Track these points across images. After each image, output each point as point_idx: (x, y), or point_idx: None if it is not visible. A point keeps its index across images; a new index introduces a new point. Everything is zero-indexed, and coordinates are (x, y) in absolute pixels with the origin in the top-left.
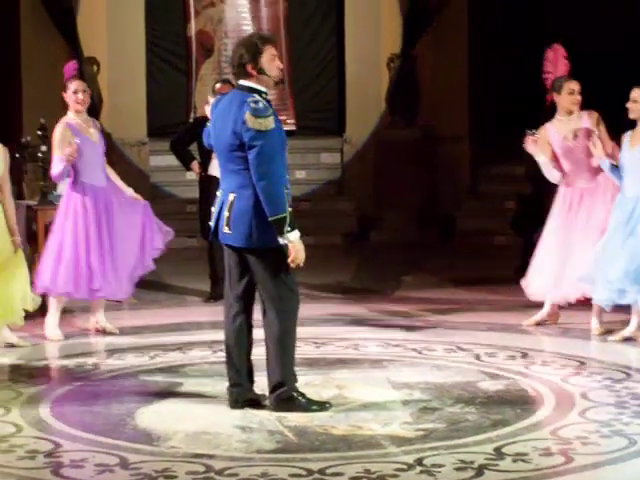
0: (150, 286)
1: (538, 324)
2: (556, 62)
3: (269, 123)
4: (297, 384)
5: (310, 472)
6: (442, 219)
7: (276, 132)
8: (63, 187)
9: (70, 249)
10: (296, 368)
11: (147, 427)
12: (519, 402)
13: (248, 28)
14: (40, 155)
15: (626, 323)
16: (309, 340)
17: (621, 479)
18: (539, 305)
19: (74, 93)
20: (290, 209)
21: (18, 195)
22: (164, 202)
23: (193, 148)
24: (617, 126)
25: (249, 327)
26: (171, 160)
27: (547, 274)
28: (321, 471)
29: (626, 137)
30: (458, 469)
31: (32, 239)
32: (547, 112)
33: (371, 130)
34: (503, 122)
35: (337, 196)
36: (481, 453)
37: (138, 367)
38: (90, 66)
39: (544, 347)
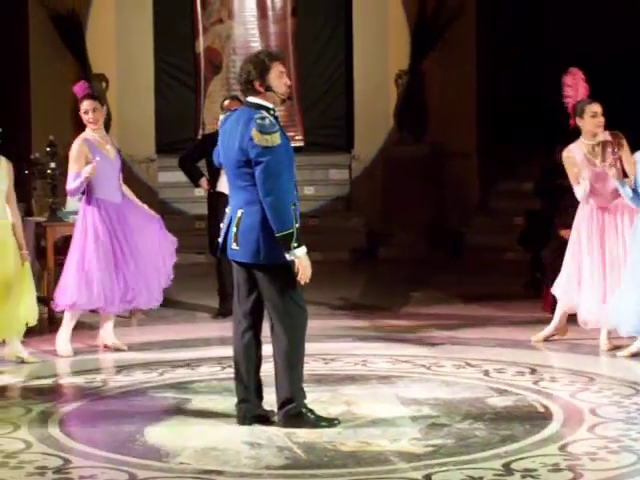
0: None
1: (546, 339)
2: (576, 86)
3: (275, 139)
4: (306, 400)
5: None
6: (451, 235)
7: (283, 148)
8: (72, 204)
9: (94, 264)
10: (304, 384)
11: (156, 443)
12: (528, 418)
13: (256, 45)
14: (49, 172)
15: (634, 339)
16: (317, 356)
17: None
18: (548, 320)
19: (85, 113)
20: (297, 225)
21: (27, 212)
22: (173, 218)
23: (202, 165)
24: (616, 126)
25: (258, 343)
26: (180, 176)
27: (596, 300)
28: None
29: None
30: None
31: (41, 255)
32: (566, 133)
33: (379, 146)
34: (511, 138)
35: (345, 212)
36: (490, 469)
37: (147, 383)
38: (99, 83)
39: (553, 363)
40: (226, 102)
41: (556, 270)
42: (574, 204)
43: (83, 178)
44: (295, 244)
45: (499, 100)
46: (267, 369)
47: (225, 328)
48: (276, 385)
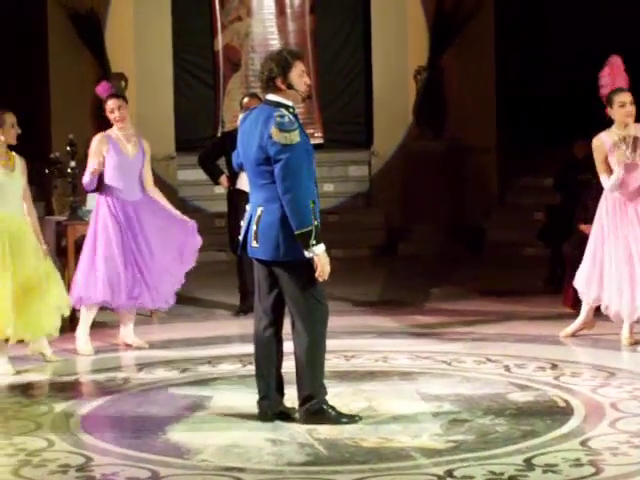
0: (179, 300)
1: (574, 334)
2: (613, 75)
3: (294, 137)
4: (327, 397)
5: None
6: (471, 231)
7: (302, 146)
8: (92, 202)
9: (103, 258)
10: (326, 381)
11: (178, 441)
12: (549, 413)
13: (275, 42)
14: (69, 171)
15: None
16: (339, 353)
17: None
18: (569, 316)
19: (110, 112)
20: (317, 222)
21: (47, 211)
22: (192, 216)
23: (221, 163)
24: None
25: (279, 340)
26: (199, 174)
27: (624, 294)
28: None
29: None
30: None
31: (62, 254)
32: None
33: (398, 142)
34: (531, 133)
35: (365, 209)
36: (511, 464)
37: (168, 381)
38: (118, 82)
39: (573, 358)
40: (245, 100)
41: (576, 265)
42: (595, 198)
43: (89, 173)
44: (314, 242)
45: (518, 95)
46: (288, 366)
47: (246, 325)
48: (297, 382)
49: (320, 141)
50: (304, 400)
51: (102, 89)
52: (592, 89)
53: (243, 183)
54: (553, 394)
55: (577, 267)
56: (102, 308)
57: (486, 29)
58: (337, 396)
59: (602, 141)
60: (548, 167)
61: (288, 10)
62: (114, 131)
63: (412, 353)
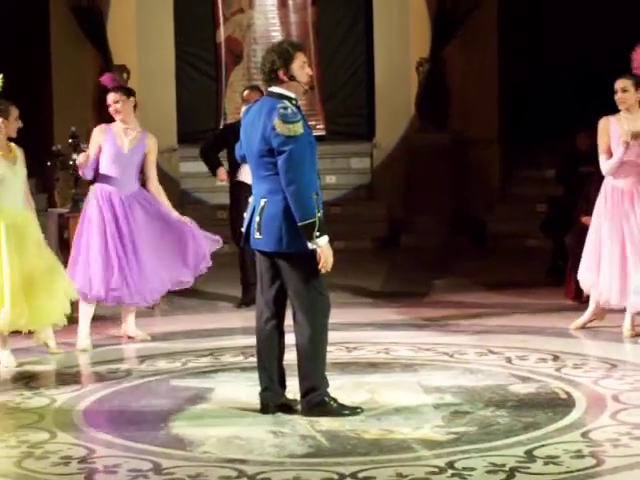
0: (181, 292)
1: (585, 325)
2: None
3: (298, 128)
4: (329, 388)
5: (342, 476)
6: (473, 223)
7: (305, 137)
8: None
9: (82, 251)
10: (327, 372)
11: (180, 432)
12: (550, 405)
13: (277, 34)
14: (71, 163)
15: None
16: (340, 344)
17: None
18: (571, 307)
19: (109, 106)
20: (320, 214)
21: (50, 203)
22: (194, 208)
23: (222, 155)
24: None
25: (281, 332)
26: (201, 167)
27: (613, 281)
28: (353, 475)
29: None
30: (489, 472)
31: (64, 246)
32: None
33: (401, 134)
34: (533, 125)
35: (367, 201)
36: (512, 456)
37: (170, 373)
38: (120, 74)
39: (575, 350)
40: (245, 92)
41: (578, 257)
42: (597, 189)
43: (77, 164)
44: (317, 233)
45: (520, 87)
46: (290, 358)
47: (248, 317)
48: (299, 374)
49: (322, 133)
50: (306, 392)
51: (106, 81)
52: (595, 80)
53: (244, 175)
54: (555, 386)
55: (579, 259)
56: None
57: (489, 21)
58: (339, 388)
59: (609, 122)
60: (550, 159)
61: (290, 2)
62: (116, 124)
63: (414, 345)
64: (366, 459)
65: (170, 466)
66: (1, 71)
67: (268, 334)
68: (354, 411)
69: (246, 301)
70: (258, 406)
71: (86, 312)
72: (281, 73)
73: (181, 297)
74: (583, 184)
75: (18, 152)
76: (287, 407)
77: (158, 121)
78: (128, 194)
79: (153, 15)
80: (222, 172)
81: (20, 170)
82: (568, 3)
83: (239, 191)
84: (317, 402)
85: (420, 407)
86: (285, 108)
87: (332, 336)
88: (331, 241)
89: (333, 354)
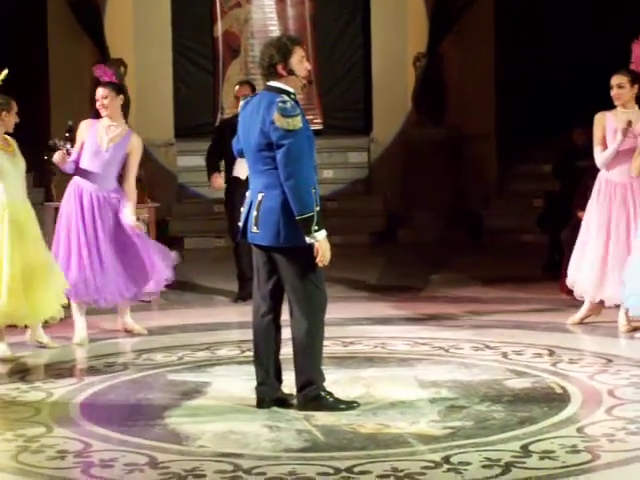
0: (178, 286)
1: (582, 321)
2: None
3: (297, 122)
4: (325, 383)
5: (338, 470)
6: (470, 217)
7: (304, 132)
8: None
9: (55, 247)
10: (323, 367)
11: (176, 426)
12: (546, 400)
13: (274, 28)
14: (46, 158)
15: None
16: (337, 339)
17: None
18: (566, 303)
19: (97, 100)
20: (318, 208)
21: (47, 197)
22: (192, 202)
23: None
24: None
25: (277, 326)
26: (198, 161)
27: (590, 273)
28: (348, 469)
29: None
30: (485, 467)
31: None
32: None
33: (398, 129)
34: (530, 120)
35: (364, 195)
36: (508, 451)
37: (167, 367)
38: (117, 68)
39: (571, 345)
40: (236, 88)
41: (572, 251)
42: (594, 184)
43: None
44: (315, 227)
45: (517, 82)
46: (286, 352)
47: (244, 312)
48: (295, 368)
49: (319, 127)
50: (302, 386)
51: (99, 71)
52: (593, 76)
53: (239, 170)
54: (550, 381)
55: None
56: None
57: (486, 16)
58: (335, 382)
59: (605, 116)
60: (547, 154)
61: None
62: (103, 119)
63: (410, 339)
64: (362, 453)
65: (166, 460)
66: None
67: (265, 328)
68: (350, 405)
69: (243, 295)
70: (254, 400)
71: (76, 307)
72: (280, 67)
73: (178, 291)
74: (580, 179)
75: (15, 145)
76: (283, 401)
77: (155, 115)
78: (104, 194)
79: (150, 9)
80: (216, 180)
81: (20, 162)
82: None
83: (234, 186)
84: (313, 396)
85: (416, 402)
86: (284, 102)
87: (328, 330)
88: (328, 235)
89: (329, 348)
